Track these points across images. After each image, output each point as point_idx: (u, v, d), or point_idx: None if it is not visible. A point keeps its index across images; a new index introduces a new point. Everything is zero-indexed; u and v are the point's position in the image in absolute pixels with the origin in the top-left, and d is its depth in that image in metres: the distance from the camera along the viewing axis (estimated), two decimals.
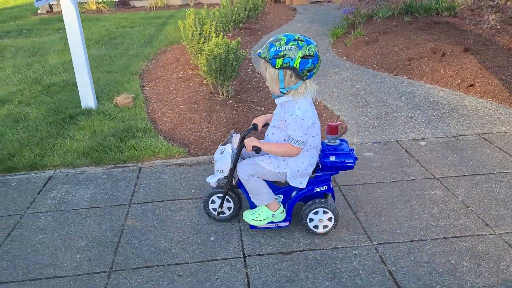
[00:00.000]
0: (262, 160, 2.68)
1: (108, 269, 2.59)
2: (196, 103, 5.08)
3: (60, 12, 12.42)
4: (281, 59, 2.38)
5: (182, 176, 3.61)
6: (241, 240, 2.79)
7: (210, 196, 2.94)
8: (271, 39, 2.46)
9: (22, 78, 6.17)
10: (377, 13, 8.44)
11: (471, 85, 5.11)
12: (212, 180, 2.82)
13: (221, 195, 2.91)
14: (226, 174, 2.77)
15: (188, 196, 3.32)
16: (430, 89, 5.17)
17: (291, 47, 2.37)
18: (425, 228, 2.81)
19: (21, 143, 4.20)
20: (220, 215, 2.98)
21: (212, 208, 2.97)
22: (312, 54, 2.40)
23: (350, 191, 3.27)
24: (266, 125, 2.84)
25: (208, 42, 5.87)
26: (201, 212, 3.10)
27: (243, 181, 2.72)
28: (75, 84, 5.75)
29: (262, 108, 4.88)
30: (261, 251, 2.67)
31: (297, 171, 2.64)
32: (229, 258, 2.63)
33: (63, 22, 10.25)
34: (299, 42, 2.39)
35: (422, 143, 3.97)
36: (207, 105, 5.02)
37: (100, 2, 12.34)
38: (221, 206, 2.92)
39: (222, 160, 2.74)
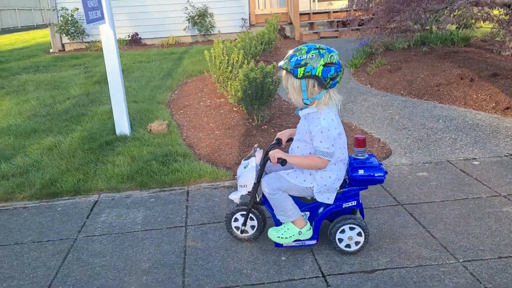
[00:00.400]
0: (287, 174, 2.57)
1: None
2: (230, 129, 5.01)
3: (73, 51, 12.59)
4: (302, 68, 2.32)
5: None
6: (315, 259, 2.64)
7: (233, 213, 2.80)
8: (292, 50, 2.40)
9: (49, 109, 6.11)
10: (393, 44, 8.56)
11: (507, 108, 5.08)
12: (236, 196, 2.68)
13: (245, 212, 2.77)
14: (250, 190, 2.64)
15: None
16: (466, 113, 5.13)
17: (312, 56, 2.32)
18: (510, 244, 2.68)
19: (60, 169, 4.08)
20: (243, 234, 2.82)
21: (235, 227, 2.82)
22: (334, 62, 2.34)
23: (416, 209, 3.15)
24: (290, 140, 2.74)
25: (234, 71, 5.89)
26: (264, 232, 2.96)
27: (267, 196, 2.58)
28: (104, 113, 5.72)
29: None
30: (340, 270, 2.53)
31: (324, 185, 2.52)
32: (307, 278, 2.48)
33: (77, 59, 10.41)
34: (320, 50, 2.34)
35: (476, 162, 3.88)
36: (242, 130, 4.94)
37: None
38: (244, 224, 2.77)
39: (246, 174, 2.63)
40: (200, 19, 12.72)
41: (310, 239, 2.64)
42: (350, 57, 8.54)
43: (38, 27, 33.28)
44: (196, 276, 2.54)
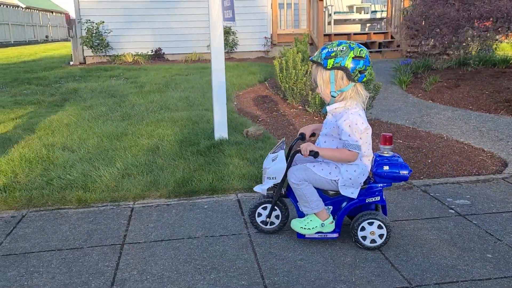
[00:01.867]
0: (314, 166, 2.63)
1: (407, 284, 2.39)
2: None
3: (95, 63, 12.41)
4: (332, 59, 2.42)
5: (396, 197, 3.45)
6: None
7: (257, 206, 2.86)
8: (323, 45, 2.51)
9: (121, 115, 5.98)
10: (435, 64, 8.79)
11: None
12: (264, 187, 2.74)
13: (269, 205, 2.84)
14: (279, 181, 2.70)
15: (418, 217, 3.17)
16: None
17: (343, 48, 2.43)
18: None
19: (190, 168, 3.98)
20: (268, 226, 2.88)
21: (260, 221, 2.88)
22: (363, 56, 2.44)
23: None
24: (312, 135, 2.83)
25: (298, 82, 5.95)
26: (437, 227, 2.94)
27: (293, 187, 2.64)
28: (182, 119, 5.63)
29: (400, 141, 4.85)
30: None
31: (350, 179, 2.58)
32: None
33: (108, 71, 10.29)
34: (351, 44, 2.46)
35: None
36: None
37: (136, 55, 12.44)
38: (269, 215, 2.83)
39: (276, 166, 2.68)
40: (224, 36, 12.80)
41: (332, 232, 2.70)
42: (391, 75, 8.73)
43: (29, 42, 32.89)
44: (413, 271, 2.50)
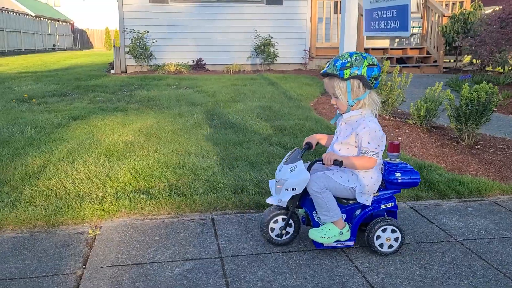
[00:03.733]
0: (333, 174, 2.67)
1: None
2: (444, 147, 5.06)
3: (138, 72, 12.37)
4: (348, 70, 2.50)
5: None
6: None
7: (271, 219, 2.79)
8: (333, 58, 2.59)
9: (221, 123, 5.99)
10: (504, 79, 9.00)
11: None
12: (284, 199, 2.68)
13: (283, 216, 2.79)
14: (299, 192, 2.66)
15: None
16: None
17: (356, 58, 2.52)
18: None
19: None
20: (284, 238, 2.83)
21: (275, 235, 2.82)
22: (375, 64, 2.54)
23: None
24: (316, 144, 2.90)
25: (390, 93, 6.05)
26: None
27: (315, 195, 2.63)
28: (295, 127, 5.65)
29: None
30: None
31: (366, 185, 2.63)
32: None
33: (159, 80, 10.26)
34: (362, 54, 2.55)
35: None
36: (459, 148, 4.99)
37: (177, 65, 12.48)
38: (285, 227, 2.79)
39: (297, 177, 2.63)
40: (266, 48, 12.91)
41: (349, 240, 2.72)
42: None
43: (39, 51, 32.77)
44: None
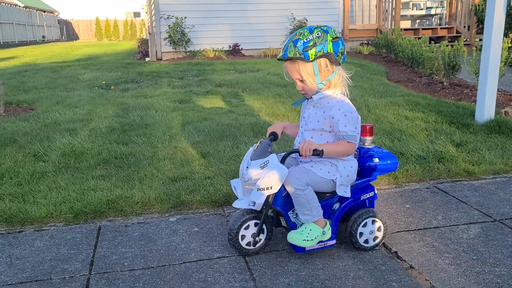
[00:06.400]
0: (312, 166, 2.32)
1: None
2: None
3: (175, 59, 12.15)
4: (313, 49, 2.18)
5: None
6: None
7: (241, 225, 2.36)
8: (290, 37, 2.26)
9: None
10: None
11: None
12: (259, 202, 2.27)
13: (253, 222, 2.39)
14: (276, 191, 2.27)
15: None
16: None
17: (318, 34, 2.19)
18: None
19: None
20: (257, 245, 2.43)
21: (246, 243, 2.40)
22: (338, 36, 2.25)
23: None
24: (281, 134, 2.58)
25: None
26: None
27: (296, 193, 2.25)
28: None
29: None
30: None
31: (347, 176, 2.34)
32: None
33: (206, 65, 9.97)
34: (322, 27, 2.23)
35: None
36: None
37: (216, 50, 12.35)
38: (258, 233, 2.39)
39: (271, 174, 2.23)
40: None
41: (330, 239, 2.40)
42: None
43: (31, 42, 31.83)
44: None
